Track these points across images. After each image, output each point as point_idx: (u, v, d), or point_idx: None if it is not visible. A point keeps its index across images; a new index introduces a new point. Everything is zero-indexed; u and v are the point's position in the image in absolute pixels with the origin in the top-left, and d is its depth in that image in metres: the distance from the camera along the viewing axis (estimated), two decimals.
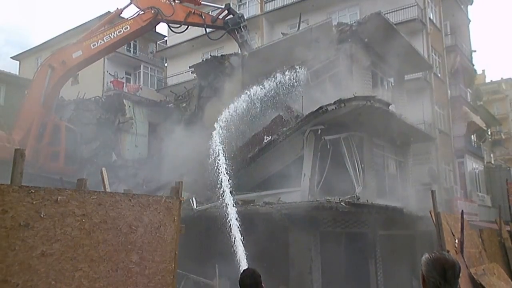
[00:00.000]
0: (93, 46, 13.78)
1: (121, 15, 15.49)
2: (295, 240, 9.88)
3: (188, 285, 9.49)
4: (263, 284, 2.97)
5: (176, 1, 14.19)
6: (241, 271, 3.04)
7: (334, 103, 9.99)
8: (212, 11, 15.60)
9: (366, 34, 12.80)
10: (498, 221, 9.09)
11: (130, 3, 14.61)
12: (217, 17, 14.15)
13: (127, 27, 13.91)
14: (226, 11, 14.31)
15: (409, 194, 14.32)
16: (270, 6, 21.99)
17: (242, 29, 13.86)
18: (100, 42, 13.77)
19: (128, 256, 2.92)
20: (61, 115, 17.90)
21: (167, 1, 13.92)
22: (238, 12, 14.46)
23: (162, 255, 3.14)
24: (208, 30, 14.64)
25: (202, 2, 14.57)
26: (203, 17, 13.98)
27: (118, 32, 13.82)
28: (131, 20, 14.10)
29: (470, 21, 25.16)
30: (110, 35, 13.81)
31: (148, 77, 25.28)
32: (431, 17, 19.24)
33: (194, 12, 13.99)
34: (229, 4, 14.59)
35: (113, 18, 15.23)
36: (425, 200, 12.08)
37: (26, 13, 72.83)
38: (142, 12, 14.01)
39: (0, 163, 11.84)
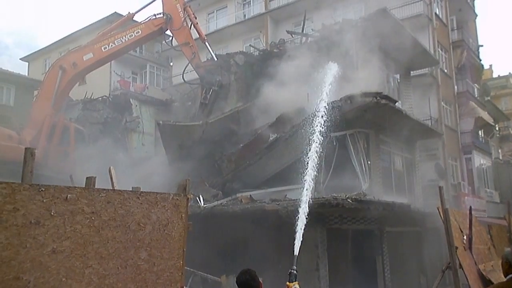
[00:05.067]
0: (104, 48, 13.88)
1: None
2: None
3: (195, 282, 9.55)
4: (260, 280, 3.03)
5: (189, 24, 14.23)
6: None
7: (340, 99, 9.97)
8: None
9: (371, 30, 12.72)
10: (507, 217, 9.00)
11: (146, 6, 14.87)
12: (202, 65, 14.09)
13: (139, 31, 14.02)
14: (215, 66, 14.21)
15: (416, 190, 14.24)
16: (274, 4, 21.93)
17: (210, 91, 13.79)
18: (111, 45, 13.87)
19: (137, 253, 2.95)
20: (69, 115, 18.09)
21: (183, 18, 13.90)
22: (220, 77, 14.07)
23: (170, 252, 3.17)
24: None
25: (206, 43, 14.34)
26: (194, 56, 13.94)
27: (130, 36, 13.93)
28: (143, 24, 14.20)
29: (477, 15, 24.87)
30: (122, 38, 13.92)
31: (154, 76, 25.38)
32: (437, 12, 19.04)
33: (191, 45, 13.99)
34: (220, 65, 14.35)
35: (124, 22, 15.34)
36: (432, 197, 12.04)
37: (34, 15, 73.55)
38: (154, 17, 14.14)
39: (13, 163, 12.01)
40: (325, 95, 7.45)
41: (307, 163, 5.69)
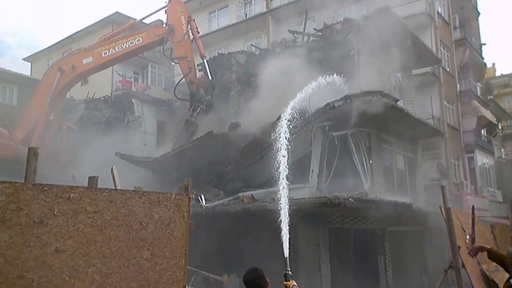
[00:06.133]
0: (104, 54, 13.83)
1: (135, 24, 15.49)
2: (304, 236, 9.89)
3: (198, 281, 9.58)
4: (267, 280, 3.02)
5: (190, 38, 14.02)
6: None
7: (341, 99, 9.97)
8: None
9: (372, 29, 12.69)
10: (510, 217, 8.97)
11: (154, 12, 14.83)
12: (196, 82, 13.80)
13: (140, 39, 13.92)
14: (208, 85, 13.89)
15: (418, 189, 14.21)
16: (276, 3, 21.90)
17: (198, 110, 13.50)
18: (112, 51, 13.82)
19: (139, 252, 2.96)
20: (72, 115, 18.14)
21: (185, 31, 13.69)
22: (210, 97, 13.71)
23: (172, 251, 3.18)
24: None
25: (204, 60, 14.13)
26: (189, 71, 13.67)
27: (130, 43, 13.85)
28: (144, 33, 14.10)
29: (479, 13, 24.76)
30: (122, 45, 13.84)
31: (156, 76, 25.39)
32: (439, 11, 18.98)
33: (189, 60, 13.79)
34: (214, 84, 14.08)
35: (127, 29, 15.28)
36: (434, 196, 12.01)
37: (36, 15, 73.74)
38: (155, 27, 14.05)
39: (3, 160, 12.08)
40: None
41: (278, 164, 5.65)
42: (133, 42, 13.88)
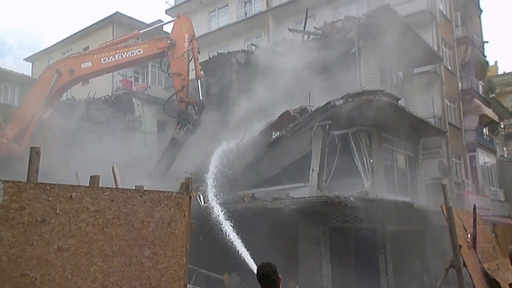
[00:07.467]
0: (103, 60, 13.78)
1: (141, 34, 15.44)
2: (304, 236, 9.90)
3: (199, 280, 9.61)
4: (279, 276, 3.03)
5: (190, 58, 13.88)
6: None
7: (342, 97, 9.97)
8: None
9: (373, 28, 12.68)
10: None
11: (156, 26, 14.45)
12: (186, 101, 13.68)
13: (141, 50, 13.83)
14: (198, 105, 13.81)
15: (419, 188, 14.21)
16: (276, 2, 21.89)
17: (183, 128, 13.39)
18: (111, 59, 13.76)
19: (141, 251, 2.98)
20: (73, 115, 18.18)
21: (187, 50, 13.55)
22: (198, 117, 13.55)
23: (173, 249, 3.20)
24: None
25: (198, 81, 13.98)
26: (182, 89, 13.56)
27: (131, 53, 13.75)
28: (146, 44, 14.03)
29: (481, 11, 24.70)
30: (122, 54, 13.74)
31: (156, 76, 25.40)
32: (441, 8, 18.94)
33: (183, 78, 13.64)
34: (204, 104, 13.97)
35: (129, 39, 15.25)
36: (435, 195, 12.02)
37: (37, 15, 73.80)
38: (157, 39, 14.02)
39: None
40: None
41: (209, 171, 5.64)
42: (134, 52, 13.83)
